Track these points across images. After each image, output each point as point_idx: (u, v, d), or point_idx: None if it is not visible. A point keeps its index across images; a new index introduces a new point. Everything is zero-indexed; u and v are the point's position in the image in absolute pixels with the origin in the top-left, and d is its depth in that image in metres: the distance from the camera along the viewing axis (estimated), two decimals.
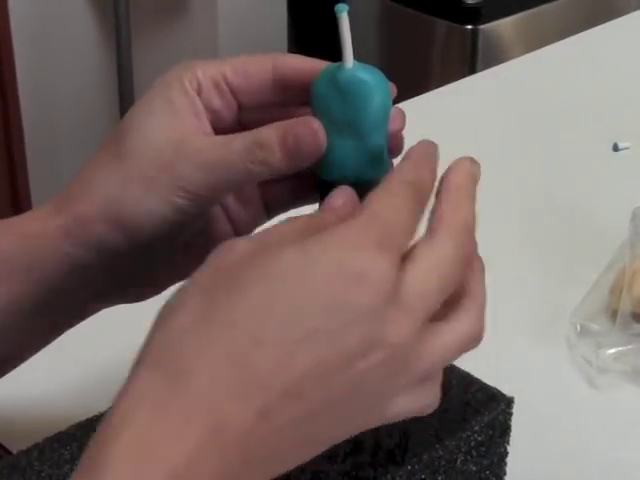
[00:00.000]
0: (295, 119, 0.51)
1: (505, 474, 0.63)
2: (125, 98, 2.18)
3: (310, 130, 0.50)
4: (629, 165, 1.09)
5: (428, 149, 0.49)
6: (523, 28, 2.10)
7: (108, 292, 0.57)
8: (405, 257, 0.45)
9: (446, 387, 0.60)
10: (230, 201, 0.57)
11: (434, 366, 0.46)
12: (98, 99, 2.34)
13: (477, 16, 2.03)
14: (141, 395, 0.41)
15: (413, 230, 0.45)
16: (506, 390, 0.61)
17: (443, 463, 0.57)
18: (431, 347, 0.45)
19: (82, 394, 0.76)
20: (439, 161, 0.49)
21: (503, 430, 0.61)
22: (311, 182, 0.54)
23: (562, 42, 1.38)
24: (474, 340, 0.47)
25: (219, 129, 0.55)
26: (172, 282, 0.56)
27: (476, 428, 0.58)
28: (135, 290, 0.58)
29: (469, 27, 2.03)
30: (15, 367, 0.60)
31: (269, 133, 0.51)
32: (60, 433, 0.58)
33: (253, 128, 0.52)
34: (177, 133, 0.53)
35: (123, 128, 0.54)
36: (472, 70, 1.98)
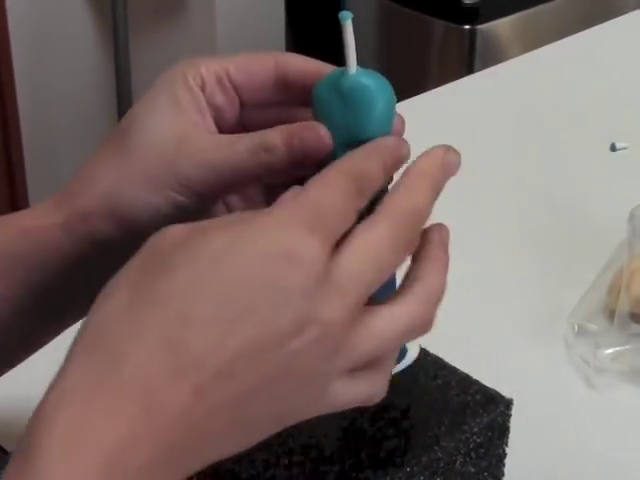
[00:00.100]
0: (301, 123, 0.51)
1: (504, 475, 0.63)
2: (123, 98, 2.18)
3: (316, 135, 0.50)
4: (627, 165, 1.09)
5: (382, 143, 0.49)
6: (521, 28, 2.10)
7: None
8: (343, 240, 0.44)
9: (445, 388, 0.60)
10: (232, 198, 0.57)
11: (375, 350, 0.45)
12: (96, 99, 2.34)
13: (475, 16, 2.03)
14: (74, 379, 0.41)
15: (348, 215, 0.45)
16: (504, 390, 0.61)
17: (442, 465, 0.57)
18: (368, 329, 0.45)
19: None
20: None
21: (502, 432, 0.61)
22: None
23: (560, 42, 1.38)
24: (420, 326, 0.46)
25: (222, 127, 0.55)
26: None
27: (475, 430, 0.58)
28: None
29: (467, 27, 2.03)
30: (14, 365, 0.59)
31: (275, 136, 0.51)
32: None
33: (255, 127, 0.52)
34: (181, 130, 0.53)
35: (126, 124, 0.54)
36: (470, 70, 1.98)
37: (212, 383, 0.42)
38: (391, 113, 0.51)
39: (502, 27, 2.07)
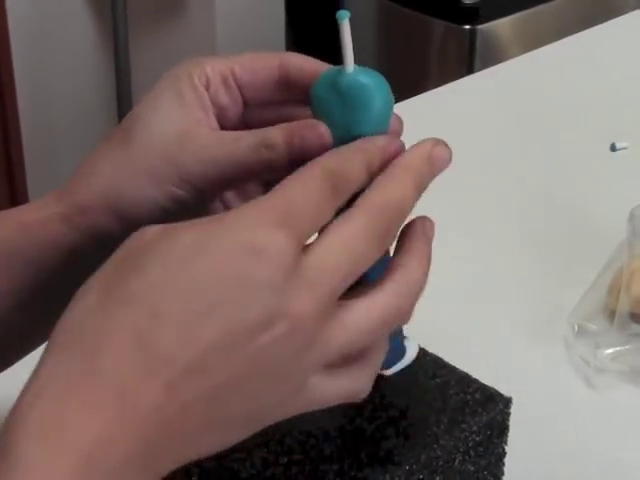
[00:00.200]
0: (302, 121, 0.51)
1: (503, 474, 0.63)
2: (123, 98, 2.18)
3: (317, 133, 0.50)
4: (627, 165, 1.09)
5: (370, 142, 0.48)
6: (521, 28, 2.10)
7: None
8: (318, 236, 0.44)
9: (444, 387, 0.60)
10: (230, 197, 0.57)
11: (350, 342, 0.45)
12: (96, 99, 2.34)
13: (475, 16, 2.04)
14: (50, 376, 0.41)
15: (322, 212, 0.45)
16: (504, 390, 0.61)
17: (441, 463, 0.57)
18: (342, 322, 0.44)
19: None
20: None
21: (501, 430, 0.61)
22: None
23: (560, 42, 1.38)
24: (395, 317, 0.46)
25: (224, 125, 0.55)
26: None
27: (474, 428, 0.58)
28: None
29: (467, 27, 2.03)
30: (13, 363, 0.59)
31: (276, 133, 0.51)
32: None
33: (257, 126, 0.53)
34: (184, 125, 0.53)
35: (129, 122, 0.54)
36: (470, 70, 1.98)
37: (183, 378, 0.42)
38: (388, 111, 0.51)
39: (502, 27, 2.07)
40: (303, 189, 0.45)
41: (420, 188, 0.47)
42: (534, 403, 0.76)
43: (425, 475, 0.56)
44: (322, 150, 0.50)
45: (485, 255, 0.95)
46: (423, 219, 0.49)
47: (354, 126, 0.50)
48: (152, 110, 0.54)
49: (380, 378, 0.50)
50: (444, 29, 2.06)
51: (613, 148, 1.12)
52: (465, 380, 0.61)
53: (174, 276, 0.42)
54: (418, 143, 0.49)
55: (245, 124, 0.55)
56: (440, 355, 0.62)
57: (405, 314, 0.47)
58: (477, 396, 0.60)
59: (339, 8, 0.49)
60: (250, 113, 0.56)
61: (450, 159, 0.49)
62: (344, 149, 0.48)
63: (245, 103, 0.56)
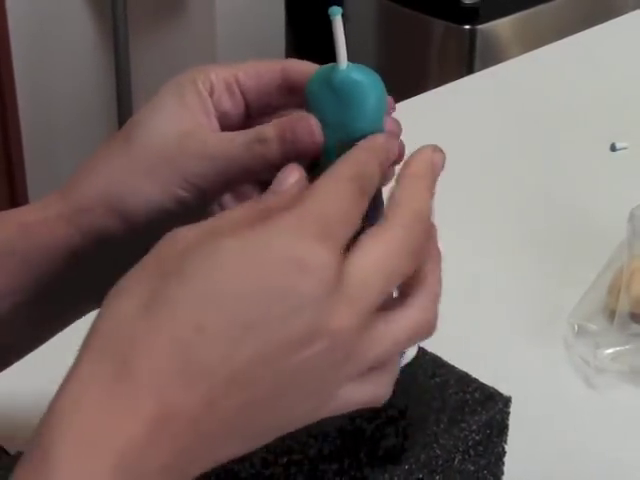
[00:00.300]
0: (292, 115, 0.52)
1: (503, 473, 0.63)
2: (123, 98, 2.18)
3: (308, 126, 0.51)
4: (627, 165, 1.09)
5: (376, 141, 0.49)
6: (521, 28, 2.10)
7: (107, 284, 0.57)
8: (353, 245, 0.45)
9: (443, 387, 0.60)
10: (228, 199, 0.57)
11: (382, 354, 0.46)
12: (96, 99, 2.34)
13: (475, 16, 2.04)
14: (88, 380, 0.41)
15: (354, 218, 0.45)
16: (504, 390, 0.61)
17: (441, 462, 0.57)
18: (378, 335, 0.45)
19: None
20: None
21: (500, 429, 0.61)
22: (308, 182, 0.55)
23: (560, 42, 1.38)
24: (425, 329, 0.47)
25: (226, 129, 0.55)
26: None
27: (474, 427, 0.58)
28: None
29: (467, 27, 2.03)
30: (12, 363, 0.59)
31: (269, 129, 0.52)
32: None
33: None
34: (185, 127, 0.53)
35: (131, 123, 0.55)
36: (470, 70, 1.98)
37: (222, 393, 0.42)
38: (382, 108, 0.51)
39: (502, 27, 2.07)
40: (335, 197, 0.45)
41: (432, 195, 0.48)
42: (534, 403, 0.76)
43: (425, 474, 0.56)
44: (313, 143, 0.51)
45: (485, 255, 0.95)
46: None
47: (348, 122, 0.50)
48: (153, 113, 0.54)
49: None
50: (444, 29, 2.06)
51: (613, 148, 1.12)
52: (465, 379, 0.61)
53: (218, 286, 0.42)
54: (419, 151, 0.49)
55: (247, 128, 0.55)
56: (439, 354, 0.62)
57: (431, 328, 0.48)
58: (477, 395, 0.60)
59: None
60: (254, 122, 0.56)
61: (444, 164, 0.49)
62: (357, 151, 0.48)
63: (248, 108, 0.56)
